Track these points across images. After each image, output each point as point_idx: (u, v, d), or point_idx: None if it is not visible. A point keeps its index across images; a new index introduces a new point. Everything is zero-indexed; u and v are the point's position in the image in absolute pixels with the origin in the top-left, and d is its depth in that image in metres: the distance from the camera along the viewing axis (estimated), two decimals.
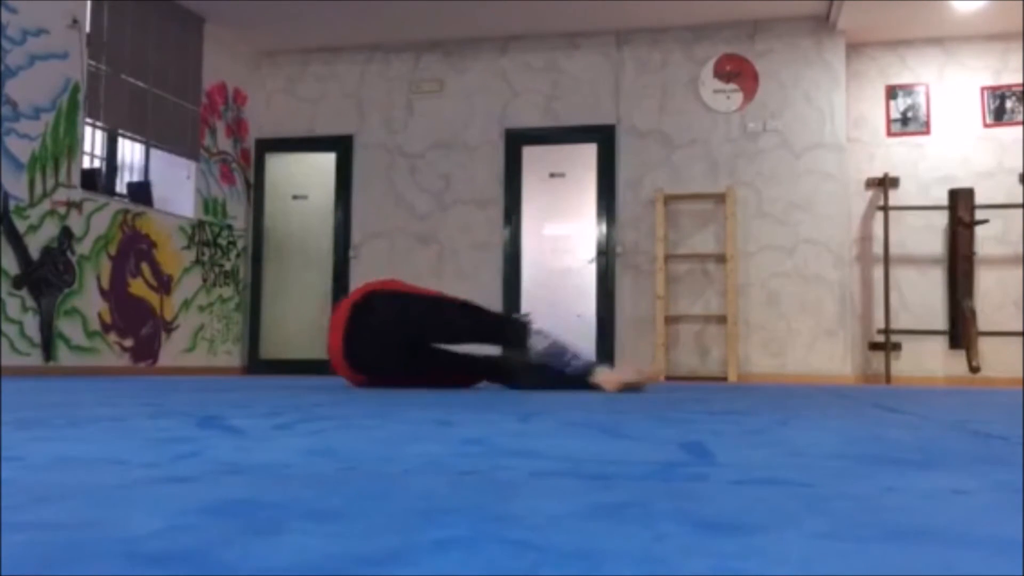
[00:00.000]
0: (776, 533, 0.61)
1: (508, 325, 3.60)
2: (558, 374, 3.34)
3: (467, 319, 3.53)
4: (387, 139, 8.02)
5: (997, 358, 7.18)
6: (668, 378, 7.15)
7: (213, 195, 7.68)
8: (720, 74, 7.50)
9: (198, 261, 7.45)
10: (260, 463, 1.03)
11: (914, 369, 7.37)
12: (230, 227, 7.89)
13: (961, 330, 7.06)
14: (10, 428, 1.48)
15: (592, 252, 7.58)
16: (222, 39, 7.77)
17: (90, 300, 6.22)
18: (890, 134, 7.57)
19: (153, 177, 7.29)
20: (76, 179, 6.12)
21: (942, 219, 7.38)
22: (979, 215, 7.16)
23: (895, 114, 7.58)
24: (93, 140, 6.69)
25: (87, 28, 6.30)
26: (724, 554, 0.54)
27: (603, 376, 3.27)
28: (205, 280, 7.52)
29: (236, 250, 7.97)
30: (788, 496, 0.79)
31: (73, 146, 6.10)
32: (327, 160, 8.18)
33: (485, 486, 0.85)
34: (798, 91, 7.37)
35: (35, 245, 5.77)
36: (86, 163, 6.48)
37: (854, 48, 7.55)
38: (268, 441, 1.31)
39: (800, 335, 7.17)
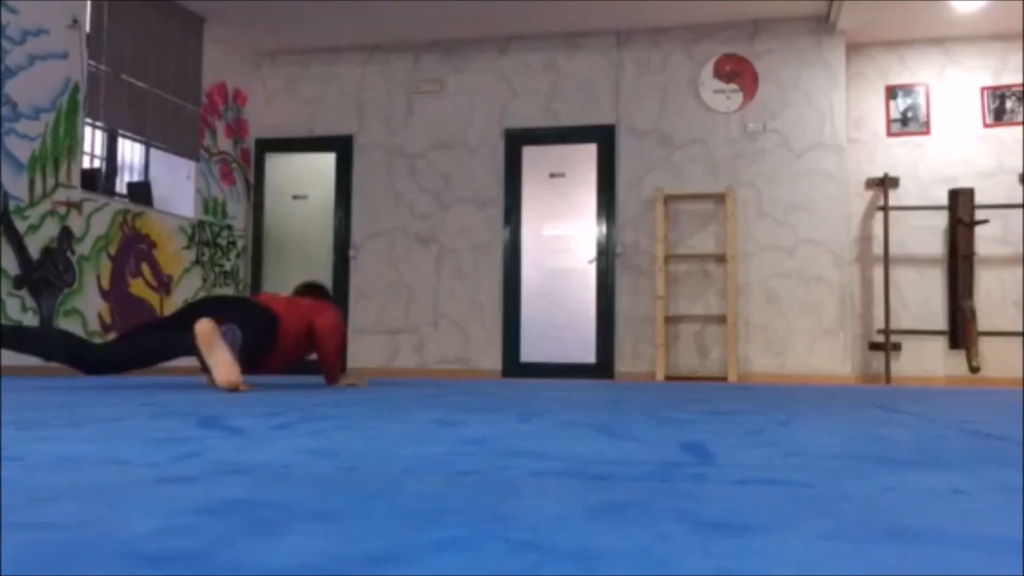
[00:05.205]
0: (776, 533, 0.60)
1: None
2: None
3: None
4: (387, 139, 8.01)
5: (997, 358, 7.18)
6: (668, 378, 7.15)
7: (213, 195, 7.67)
8: (720, 74, 7.50)
9: (198, 261, 7.44)
10: (260, 463, 1.03)
11: (914, 369, 7.37)
12: (230, 227, 7.89)
13: (961, 330, 7.06)
14: (10, 428, 1.48)
15: (592, 252, 7.57)
16: (222, 39, 7.77)
17: (90, 300, 6.21)
18: (890, 134, 7.57)
19: (153, 177, 7.29)
20: (76, 179, 6.12)
21: (942, 219, 7.37)
22: (979, 215, 7.16)
23: (895, 114, 7.57)
24: (93, 140, 6.68)
25: (87, 28, 6.29)
26: (724, 554, 0.54)
27: None
28: (205, 280, 7.51)
29: (236, 250, 7.97)
30: (788, 496, 0.79)
31: (73, 146, 6.10)
32: (327, 160, 8.17)
33: (485, 486, 0.85)
34: (798, 91, 7.37)
35: (35, 245, 5.76)
36: (86, 163, 6.47)
37: (854, 48, 7.55)
38: (268, 441, 1.31)
39: (800, 335, 7.17)
